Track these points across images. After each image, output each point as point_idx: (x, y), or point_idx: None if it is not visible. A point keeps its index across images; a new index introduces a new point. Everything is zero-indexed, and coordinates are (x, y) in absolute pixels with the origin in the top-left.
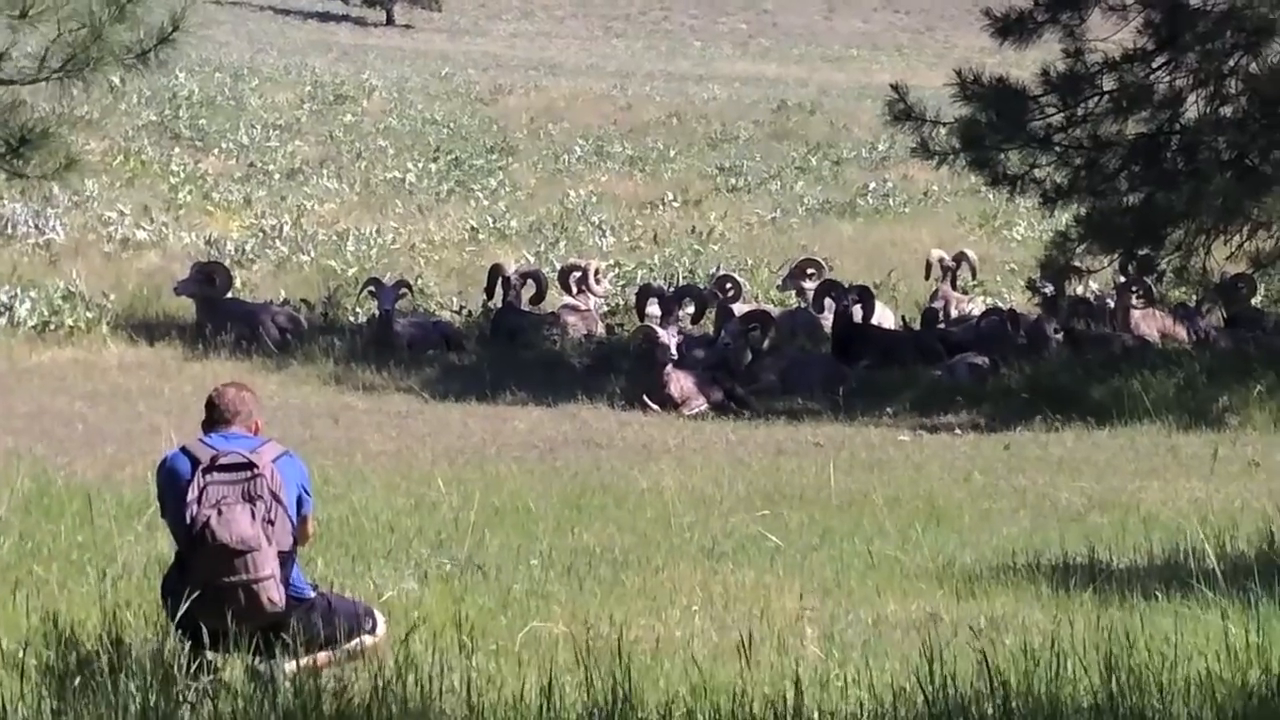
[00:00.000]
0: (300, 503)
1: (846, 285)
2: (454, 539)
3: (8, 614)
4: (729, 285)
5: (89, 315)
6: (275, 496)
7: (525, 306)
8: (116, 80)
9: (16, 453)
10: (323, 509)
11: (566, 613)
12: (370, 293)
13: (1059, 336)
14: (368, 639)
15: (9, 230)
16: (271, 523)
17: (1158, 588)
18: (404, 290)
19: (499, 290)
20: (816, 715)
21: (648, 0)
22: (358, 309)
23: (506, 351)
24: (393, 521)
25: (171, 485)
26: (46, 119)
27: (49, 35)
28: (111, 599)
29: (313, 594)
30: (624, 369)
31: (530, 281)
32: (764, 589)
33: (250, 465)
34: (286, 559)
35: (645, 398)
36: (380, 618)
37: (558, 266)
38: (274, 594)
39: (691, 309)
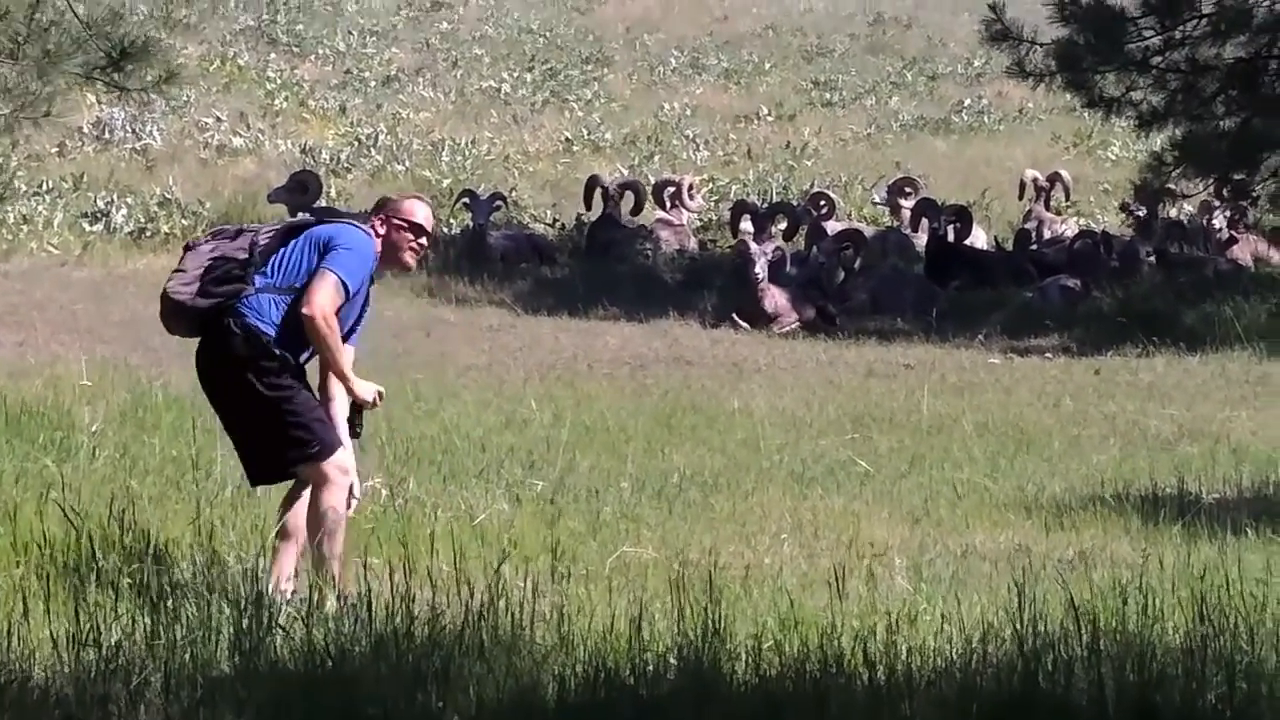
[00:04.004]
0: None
1: (942, 204)
2: (545, 459)
3: (104, 530)
4: (822, 202)
5: (184, 222)
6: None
7: (625, 217)
8: None
9: (112, 362)
10: (414, 426)
11: (656, 537)
12: (465, 205)
13: (1151, 259)
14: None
15: (106, 136)
16: (232, 237)
17: (1248, 523)
18: (498, 204)
19: (597, 201)
20: (905, 652)
21: None
22: (451, 220)
23: (599, 266)
24: (484, 439)
25: None
26: (145, 25)
27: None
28: (207, 517)
29: (271, 333)
30: (716, 285)
31: (629, 192)
32: (853, 517)
33: None
34: (221, 268)
35: (736, 316)
36: (336, 467)
37: (652, 180)
38: (172, 283)
39: (784, 225)
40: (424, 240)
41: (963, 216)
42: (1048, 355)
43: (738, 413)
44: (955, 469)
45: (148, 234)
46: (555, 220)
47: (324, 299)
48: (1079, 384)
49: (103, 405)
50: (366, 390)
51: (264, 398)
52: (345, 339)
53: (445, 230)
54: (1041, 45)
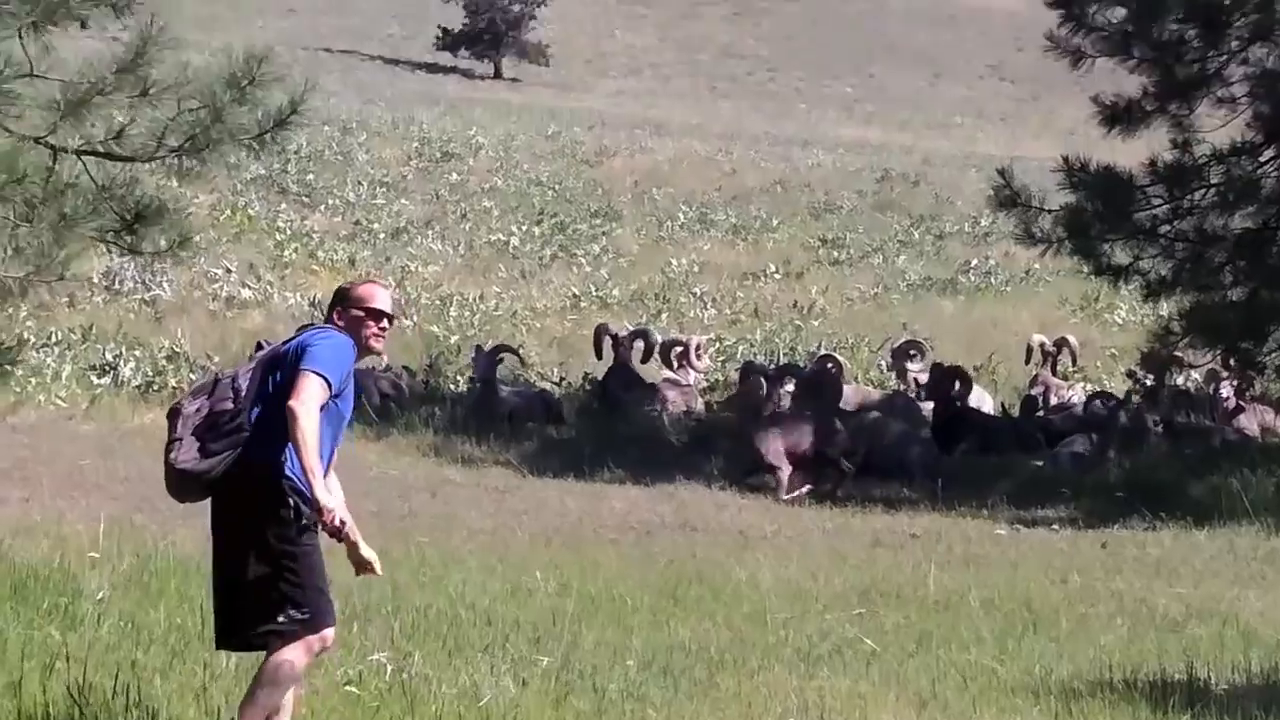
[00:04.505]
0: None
1: (944, 366)
2: (550, 633)
3: (109, 705)
4: (830, 365)
5: (193, 376)
6: (246, 373)
7: (636, 365)
8: (233, 160)
9: (118, 521)
10: (419, 595)
11: (662, 717)
12: (474, 360)
13: (1159, 429)
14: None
15: (116, 286)
16: (211, 392)
17: (1257, 714)
18: (501, 356)
19: (607, 351)
20: None
21: (755, 61)
22: (458, 377)
23: (605, 426)
24: (489, 610)
25: None
26: (156, 173)
27: (168, 114)
28: (213, 695)
29: (283, 463)
30: (722, 449)
31: (639, 341)
32: (860, 699)
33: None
34: (214, 424)
35: (747, 477)
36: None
37: (659, 339)
38: (174, 455)
39: (792, 386)
40: (385, 324)
41: (963, 378)
42: (1054, 527)
43: (744, 584)
44: (962, 649)
45: (155, 387)
46: (562, 379)
47: (308, 395)
48: (1086, 558)
49: (108, 569)
50: (328, 498)
51: (273, 551)
52: (328, 459)
53: (453, 387)
54: (1050, 211)
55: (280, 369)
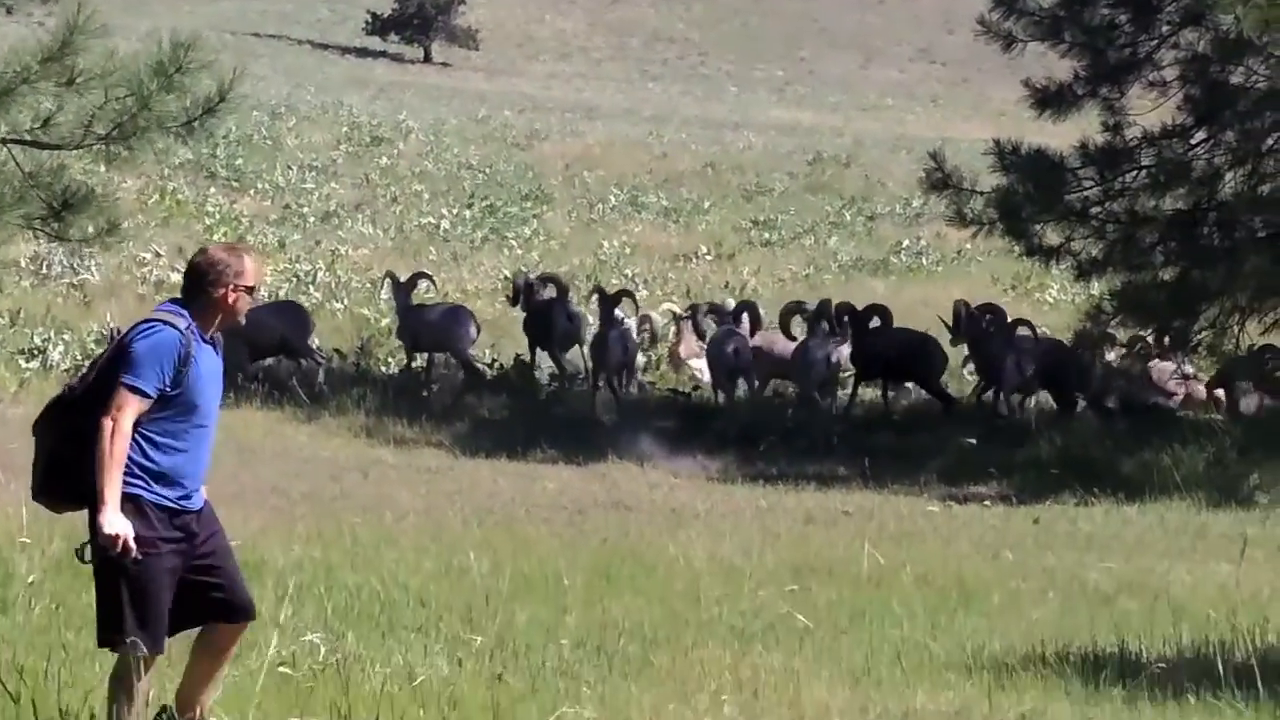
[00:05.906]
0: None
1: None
2: (484, 613)
3: (40, 687)
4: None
5: None
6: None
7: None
8: (161, 146)
9: None
10: (352, 575)
11: (596, 696)
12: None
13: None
14: None
15: (44, 270)
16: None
17: (1189, 686)
18: (420, 282)
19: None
20: None
21: (685, 45)
22: (389, 359)
23: (537, 406)
24: (422, 591)
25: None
26: (84, 158)
27: (95, 102)
28: None
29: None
30: (654, 427)
31: (550, 286)
32: (793, 675)
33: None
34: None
35: None
36: None
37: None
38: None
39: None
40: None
41: (883, 314)
42: (986, 503)
43: (676, 561)
44: (895, 625)
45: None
46: (494, 360)
47: (118, 409)
48: (1018, 534)
49: (38, 553)
50: (112, 525)
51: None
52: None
53: (384, 369)
54: (981, 193)
55: (109, 360)
